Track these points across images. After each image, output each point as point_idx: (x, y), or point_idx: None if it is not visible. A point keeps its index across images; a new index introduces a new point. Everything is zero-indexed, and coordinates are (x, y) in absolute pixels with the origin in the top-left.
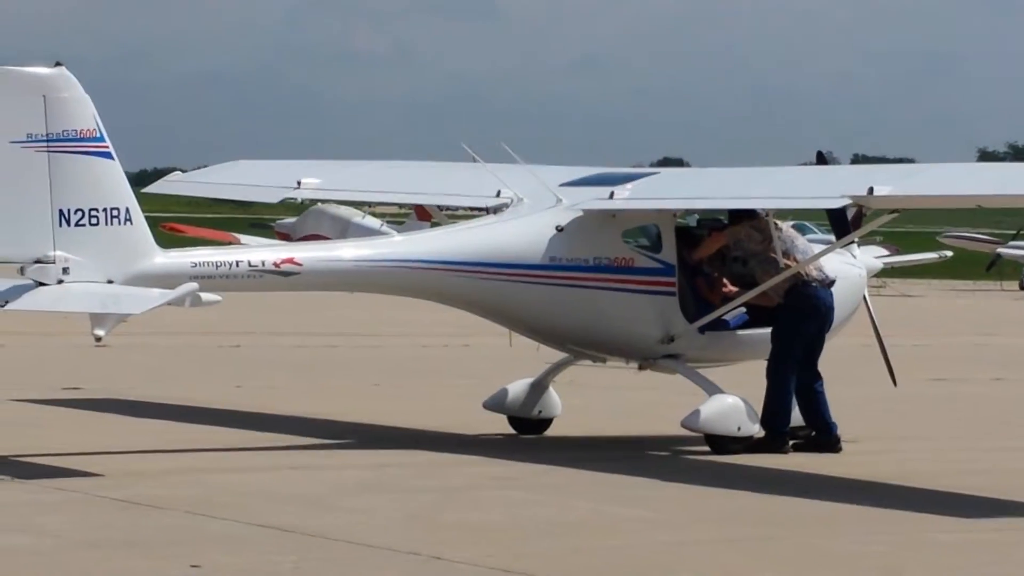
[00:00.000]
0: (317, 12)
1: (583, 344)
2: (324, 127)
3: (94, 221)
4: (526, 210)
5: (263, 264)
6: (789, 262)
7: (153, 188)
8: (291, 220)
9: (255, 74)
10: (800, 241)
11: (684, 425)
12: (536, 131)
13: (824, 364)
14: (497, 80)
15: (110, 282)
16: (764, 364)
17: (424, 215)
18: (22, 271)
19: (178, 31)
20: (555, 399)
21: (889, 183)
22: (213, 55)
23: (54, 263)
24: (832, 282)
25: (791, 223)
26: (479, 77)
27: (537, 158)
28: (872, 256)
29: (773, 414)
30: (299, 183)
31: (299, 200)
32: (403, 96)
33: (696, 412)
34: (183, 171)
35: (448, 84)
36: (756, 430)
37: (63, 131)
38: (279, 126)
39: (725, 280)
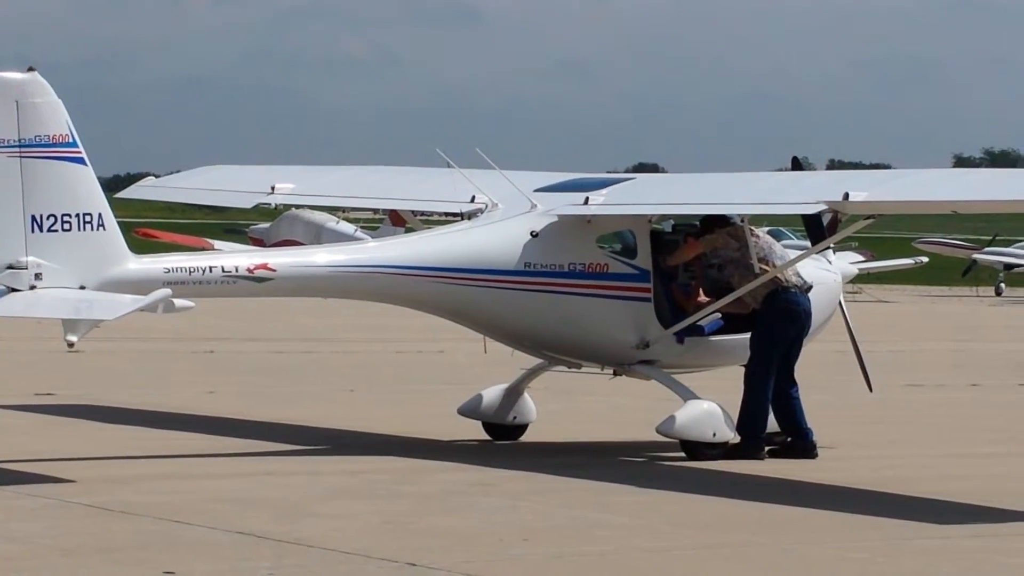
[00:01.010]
0: (299, 17)
1: (558, 350)
2: (306, 132)
3: (67, 227)
4: (501, 215)
5: (236, 270)
6: (766, 268)
7: (126, 193)
8: (265, 225)
9: (233, 79)
10: (777, 247)
11: (659, 431)
12: (517, 136)
13: (800, 370)
14: (479, 86)
15: (83, 288)
16: (740, 370)
17: (398, 220)
18: None
19: (154, 35)
20: (530, 405)
21: (865, 189)
22: (190, 59)
23: (26, 268)
24: (810, 287)
25: (766, 229)
26: (461, 83)
27: (516, 164)
28: (848, 262)
29: (749, 420)
30: (273, 188)
31: (273, 205)
32: (386, 102)
33: (671, 418)
34: (156, 176)
35: (431, 90)
36: (732, 436)
37: (35, 136)
38: (258, 132)
39: (702, 291)
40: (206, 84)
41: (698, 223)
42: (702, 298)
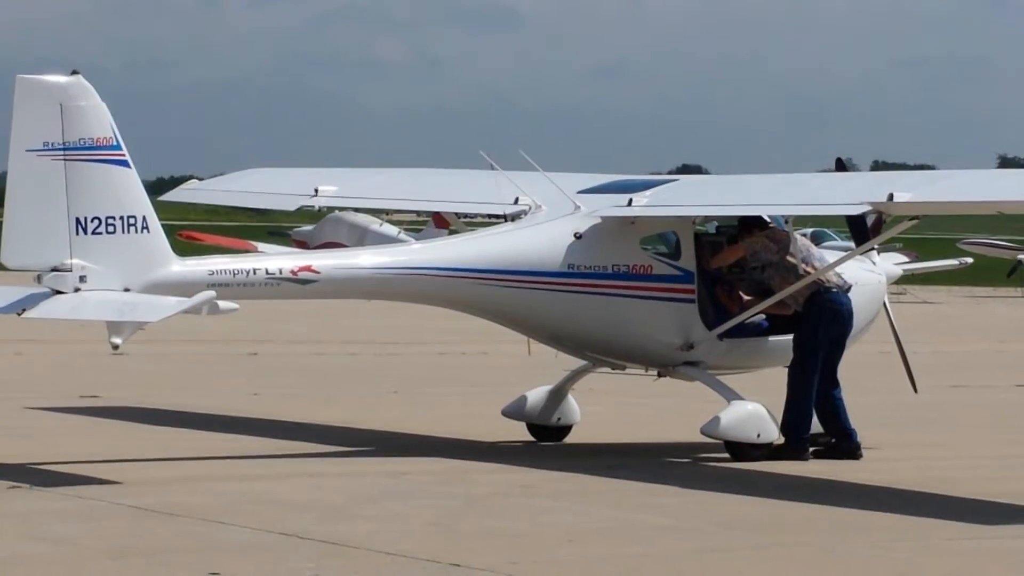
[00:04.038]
0: (338, 20)
1: (602, 351)
2: (345, 135)
3: (111, 229)
4: (544, 217)
5: (280, 272)
6: (808, 269)
7: (170, 196)
8: (308, 228)
9: (274, 81)
10: (814, 249)
11: (704, 432)
12: (559, 138)
13: (844, 371)
14: (519, 88)
15: (127, 290)
16: (784, 371)
17: (442, 223)
18: (39, 279)
19: (196, 38)
20: (574, 406)
21: (909, 190)
22: (232, 62)
23: (71, 271)
24: (850, 287)
25: (810, 230)
26: (501, 85)
27: (557, 165)
28: (892, 263)
29: (793, 421)
30: (316, 191)
31: (316, 208)
32: (425, 104)
33: (716, 419)
34: (200, 179)
35: (470, 92)
36: (776, 437)
37: (80, 139)
38: (299, 134)
39: (744, 293)
40: (247, 87)
41: (736, 224)
42: (746, 298)
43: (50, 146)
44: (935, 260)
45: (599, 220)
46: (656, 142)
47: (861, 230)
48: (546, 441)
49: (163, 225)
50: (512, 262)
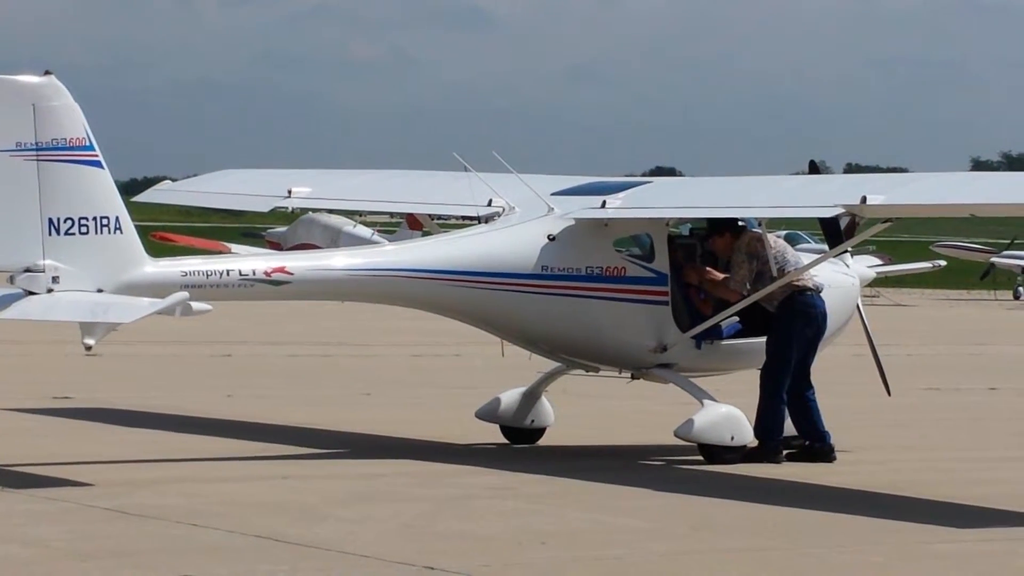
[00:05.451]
0: (313, 20)
1: (575, 353)
2: (319, 135)
3: (84, 230)
4: (518, 219)
5: (254, 273)
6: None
7: (143, 197)
8: (282, 229)
9: (248, 82)
10: (790, 252)
11: (677, 435)
12: (533, 140)
13: (817, 373)
14: (493, 89)
15: (100, 291)
16: (757, 373)
17: (415, 224)
18: (12, 280)
19: (170, 39)
20: (548, 408)
21: (882, 192)
22: (206, 63)
23: (44, 272)
24: (821, 288)
25: (784, 232)
26: (475, 86)
27: (530, 167)
28: (865, 265)
29: (766, 423)
30: (290, 192)
31: (290, 209)
32: (399, 105)
33: (689, 421)
34: (173, 180)
35: (444, 93)
36: (750, 440)
37: (52, 140)
38: (273, 135)
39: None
40: (220, 87)
41: (707, 225)
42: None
43: (23, 146)
44: (909, 263)
45: (572, 222)
46: (630, 145)
47: (834, 232)
48: (519, 443)
49: (136, 226)
50: (485, 264)
